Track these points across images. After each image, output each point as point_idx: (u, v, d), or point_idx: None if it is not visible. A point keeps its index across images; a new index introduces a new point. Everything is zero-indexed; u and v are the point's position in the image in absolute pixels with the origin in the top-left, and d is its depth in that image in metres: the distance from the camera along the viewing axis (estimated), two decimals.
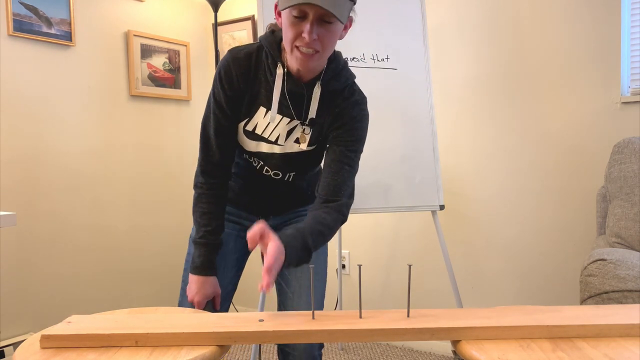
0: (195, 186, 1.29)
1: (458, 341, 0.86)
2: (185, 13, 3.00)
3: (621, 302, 1.36)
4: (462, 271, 2.38)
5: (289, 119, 1.24)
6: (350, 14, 1.16)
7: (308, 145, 1.26)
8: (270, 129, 1.25)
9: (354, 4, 1.14)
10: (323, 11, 1.06)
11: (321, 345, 1.38)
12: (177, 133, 2.95)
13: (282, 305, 1.38)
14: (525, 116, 2.20)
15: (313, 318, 0.93)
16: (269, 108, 1.23)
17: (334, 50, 1.22)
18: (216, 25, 2.75)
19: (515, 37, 2.20)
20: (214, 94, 1.24)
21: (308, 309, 1.33)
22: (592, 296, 1.42)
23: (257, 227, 0.99)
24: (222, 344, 0.87)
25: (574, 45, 2.08)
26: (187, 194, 3.00)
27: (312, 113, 1.23)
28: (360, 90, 1.28)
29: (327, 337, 0.89)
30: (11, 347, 2.14)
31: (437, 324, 0.87)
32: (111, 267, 2.63)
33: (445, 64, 2.37)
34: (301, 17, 1.08)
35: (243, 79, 1.22)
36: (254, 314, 0.96)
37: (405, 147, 1.99)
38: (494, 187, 2.29)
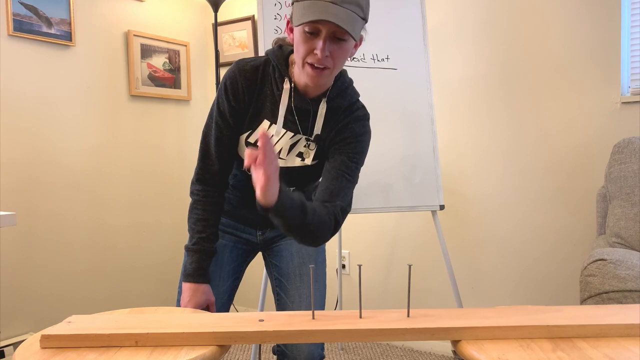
0: (192, 193, 1.28)
1: (458, 341, 0.86)
2: (185, 13, 3.00)
3: (621, 302, 1.36)
4: (462, 271, 2.38)
5: (292, 134, 1.24)
6: (362, 32, 1.16)
7: (312, 160, 1.27)
8: (273, 142, 1.25)
9: (366, 22, 1.14)
10: (336, 28, 1.06)
11: (321, 346, 1.38)
12: (177, 133, 2.95)
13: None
14: (525, 116, 2.20)
15: (313, 318, 0.93)
16: (272, 121, 1.23)
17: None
18: (216, 25, 2.75)
19: (516, 37, 2.20)
20: (218, 103, 1.24)
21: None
22: (592, 296, 1.42)
23: (257, 149, 0.94)
24: (222, 344, 0.87)
25: (574, 45, 2.08)
26: (187, 194, 3.00)
27: (318, 129, 1.24)
28: (364, 107, 1.29)
29: (327, 337, 0.89)
30: (11, 347, 2.14)
31: (437, 324, 0.87)
32: (111, 267, 2.63)
33: (445, 64, 2.37)
34: (314, 34, 1.08)
35: (249, 91, 1.22)
36: (254, 314, 0.96)
37: (405, 147, 1.99)
38: (494, 187, 2.29)
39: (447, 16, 2.36)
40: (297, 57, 1.14)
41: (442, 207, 1.97)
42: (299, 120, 1.23)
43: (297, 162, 1.27)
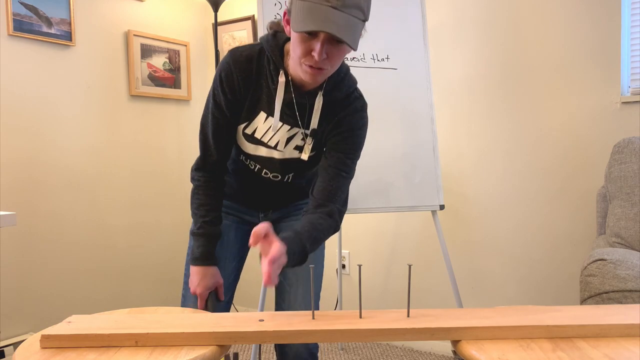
0: (192, 179, 1.30)
1: (458, 341, 0.86)
2: (185, 13, 3.00)
3: (621, 302, 1.36)
4: (462, 271, 2.38)
5: (289, 126, 1.24)
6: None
7: (309, 154, 1.27)
8: (270, 135, 1.25)
9: (366, 21, 1.11)
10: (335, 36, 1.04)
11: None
12: (177, 133, 2.95)
13: (280, 297, 1.38)
14: (525, 116, 2.20)
15: (313, 318, 0.93)
16: (269, 113, 1.22)
17: None
18: (216, 25, 2.75)
19: (516, 37, 2.20)
20: (213, 95, 1.23)
21: (305, 299, 1.34)
22: (592, 296, 1.42)
23: (263, 226, 0.98)
24: (222, 344, 0.87)
25: (574, 45, 2.08)
26: (187, 194, 3.00)
27: (314, 124, 1.23)
28: (361, 96, 1.28)
29: (327, 337, 0.89)
30: (11, 347, 2.14)
31: (437, 324, 0.87)
32: (111, 267, 2.63)
33: (445, 64, 2.37)
34: (312, 35, 1.06)
35: (244, 82, 1.21)
36: (254, 314, 0.96)
37: (405, 147, 1.98)
38: (494, 187, 2.29)
39: (447, 16, 2.36)
40: (293, 55, 1.12)
41: (442, 207, 1.97)
42: (293, 113, 1.22)
43: (295, 154, 1.28)
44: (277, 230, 1.43)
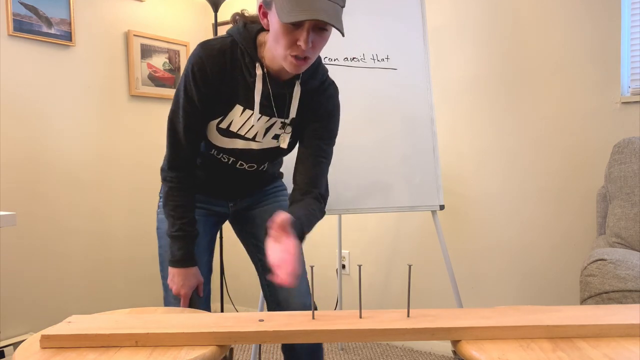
0: (165, 180, 1.27)
1: (458, 341, 0.86)
2: (185, 13, 3.00)
3: (621, 302, 1.36)
4: (462, 271, 2.38)
5: (268, 117, 1.24)
6: None
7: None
8: (248, 127, 1.24)
9: (344, 7, 1.13)
10: (325, 23, 1.05)
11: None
12: None
13: (272, 296, 1.39)
14: (525, 116, 2.20)
15: (313, 318, 0.93)
16: (246, 106, 1.22)
17: None
18: (216, 25, 2.75)
19: (516, 37, 2.20)
20: (185, 89, 1.20)
21: (300, 295, 1.34)
22: (592, 296, 1.42)
23: (285, 219, 1.00)
24: (222, 344, 0.87)
25: (573, 45, 2.08)
26: None
27: (293, 113, 1.24)
28: (333, 82, 1.30)
29: (327, 337, 0.89)
30: (11, 347, 2.14)
31: (437, 324, 0.87)
32: (111, 267, 2.63)
33: (445, 64, 2.37)
34: (297, 25, 1.06)
35: (218, 76, 1.18)
36: (254, 314, 0.96)
37: (405, 147, 1.98)
38: (494, 187, 2.29)
39: (447, 16, 2.36)
40: (277, 47, 1.11)
41: (442, 207, 1.97)
42: (274, 104, 1.23)
43: (273, 143, 1.29)
44: (248, 219, 1.44)
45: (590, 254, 1.49)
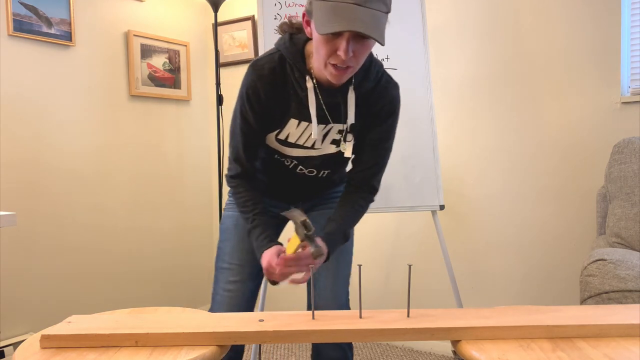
0: (229, 184, 1.32)
1: (458, 341, 0.86)
2: (185, 13, 3.00)
3: (621, 302, 1.36)
4: (462, 271, 2.38)
5: (324, 125, 1.23)
6: None
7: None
8: (305, 137, 1.24)
9: (389, 13, 1.08)
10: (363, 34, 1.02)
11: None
12: (177, 133, 2.95)
13: (310, 286, 1.40)
14: (525, 116, 2.20)
15: (313, 318, 0.93)
16: (300, 119, 1.22)
17: None
18: (216, 25, 2.75)
19: (516, 37, 2.20)
20: (241, 112, 1.23)
21: (334, 287, 1.38)
22: (592, 296, 1.42)
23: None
24: (222, 344, 0.87)
25: (574, 45, 2.08)
26: (187, 194, 3.00)
27: (351, 119, 1.22)
28: (389, 79, 1.27)
29: (327, 337, 0.89)
30: (11, 347, 2.14)
31: (437, 324, 0.87)
32: (111, 268, 2.63)
33: (445, 64, 2.37)
34: (336, 34, 1.03)
35: (271, 94, 1.20)
36: (254, 314, 0.96)
37: (405, 147, 1.98)
38: (494, 187, 2.29)
39: (447, 16, 2.36)
40: (318, 57, 1.10)
41: (442, 207, 1.97)
42: (328, 112, 1.21)
43: (332, 149, 1.28)
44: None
45: (590, 254, 1.49)
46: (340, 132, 1.25)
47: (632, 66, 2.01)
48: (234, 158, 1.29)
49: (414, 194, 1.96)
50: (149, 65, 2.76)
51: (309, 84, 1.17)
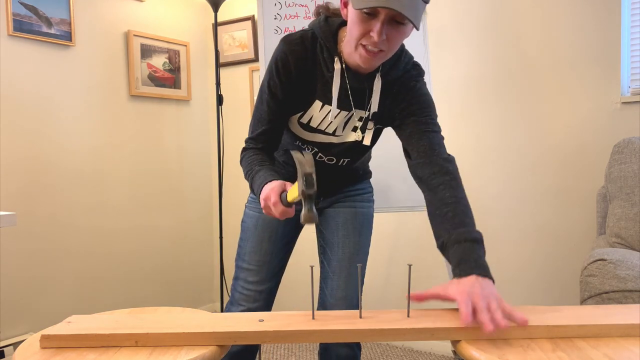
0: (245, 148, 1.25)
1: (458, 341, 0.86)
2: (185, 13, 3.00)
3: (621, 302, 1.36)
4: None
5: (347, 112, 1.21)
6: None
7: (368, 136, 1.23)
8: (327, 122, 1.23)
9: (427, 3, 1.06)
10: (398, 13, 0.99)
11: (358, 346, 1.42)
12: (177, 133, 2.95)
13: (323, 282, 1.40)
14: (525, 116, 2.20)
15: (313, 318, 0.93)
16: (325, 102, 1.20)
17: None
18: (216, 25, 2.75)
19: (516, 37, 2.20)
20: (268, 86, 1.19)
21: (347, 287, 1.35)
22: (592, 296, 1.42)
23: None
24: (222, 344, 0.87)
25: (574, 45, 2.08)
26: (187, 194, 3.00)
27: (374, 107, 1.20)
28: (416, 65, 1.23)
29: (327, 337, 0.88)
30: (11, 347, 2.14)
31: (437, 324, 0.87)
32: (111, 267, 2.63)
33: (445, 64, 2.37)
34: (372, 15, 1.02)
35: (300, 70, 1.17)
36: (254, 314, 0.96)
37: None
38: (493, 187, 2.29)
39: (447, 16, 2.36)
40: (350, 38, 1.08)
41: None
42: (353, 99, 1.19)
43: (352, 136, 1.25)
44: (322, 217, 1.43)
45: (590, 254, 1.49)
46: (361, 119, 1.23)
47: (632, 66, 2.01)
48: (255, 131, 1.22)
49: (414, 194, 1.96)
50: (149, 65, 2.76)
51: (337, 66, 1.15)
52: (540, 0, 2.14)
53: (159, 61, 2.82)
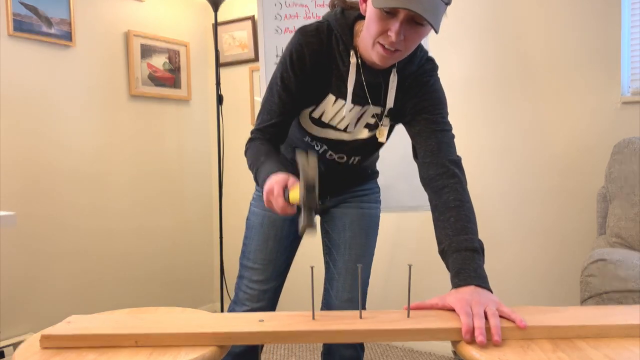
0: (247, 145, 1.22)
1: (458, 341, 0.86)
2: (185, 13, 3.00)
3: (621, 302, 1.36)
4: None
5: (360, 107, 1.19)
6: None
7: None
8: (340, 118, 1.20)
9: (448, 4, 1.04)
10: (418, 15, 0.97)
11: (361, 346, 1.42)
12: (177, 133, 2.95)
13: (328, 283, 1.40)
14: (525, 116, 2.20)
15: (313, 318, 0.93)
16: (338, 96, 1.18)
17: None
18: (216, 25, 2.75)
19: (516, 37, 2.20)
20: (282, 77, 1.16)
21: (352, 289, 1.35)
22: (593, 296, 1.42)
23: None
24: (222, 344, 0.87)
25: (574, 45, 2.08)
26: (187, 194, 3.00)
27: (390, 103, 1.18)
28: (429, 60, 1.22)
29: (327, 337, 0.88)
30: (11, 347, 2.14)
31: (437, 324, 0.87)
32: (111, 267, 2.63)
33: (446, 64, 2.37)
34: (391, 13, 1.00)
35: (315, 62, 1.15)
36: (254, 314, 0.96)
37: (405, 147, 1.97)
38: (493, 187, 2.29)
39: (448, 17, 2.35)
40: (367, 34, 1.06)
41: None
42: (368, 94, 1.17)
43: (365, 133, 1.23)
44: (329, 218, 1.42)
45: (590, 254, 1.49)
46: (374, 116, 1.21)
47: (632, 66, 2.01)
48: (263, 122, 1.19)
49: (413, 194, 1.96)
50: (149, 65, 2.76)
51: (352, 60, 1.13)
52: (541, 1, 2.14)
53: (159, 61, 2.82)
